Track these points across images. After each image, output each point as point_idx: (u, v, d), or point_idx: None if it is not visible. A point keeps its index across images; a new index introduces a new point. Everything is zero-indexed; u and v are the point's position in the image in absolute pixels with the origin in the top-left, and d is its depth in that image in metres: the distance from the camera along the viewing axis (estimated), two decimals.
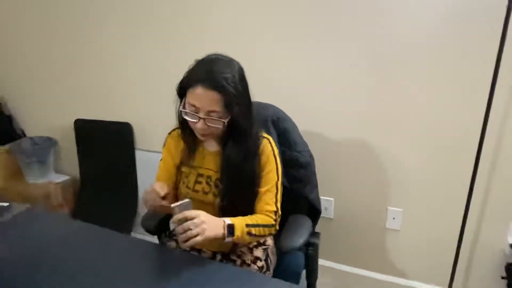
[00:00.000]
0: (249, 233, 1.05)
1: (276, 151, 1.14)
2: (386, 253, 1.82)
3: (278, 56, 1.72)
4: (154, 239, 1.31)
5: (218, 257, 1.21)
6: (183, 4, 1.84)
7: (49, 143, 2.45)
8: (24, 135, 2.56)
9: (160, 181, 1.12)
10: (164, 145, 1.24)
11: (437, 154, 1.58)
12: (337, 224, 1.87)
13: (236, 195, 1.10)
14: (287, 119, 1.39)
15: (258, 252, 1.22)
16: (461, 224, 1.54)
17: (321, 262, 1.90)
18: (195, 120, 1.02)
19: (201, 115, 1.00)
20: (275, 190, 1.12)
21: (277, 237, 1.23)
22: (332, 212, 1.86)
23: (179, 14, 1.86)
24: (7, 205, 1.29)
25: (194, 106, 1.00)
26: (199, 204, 1.15)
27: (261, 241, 1.25)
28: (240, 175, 1.08)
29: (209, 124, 1.02)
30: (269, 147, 1.12)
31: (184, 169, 1.20)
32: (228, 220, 1.02)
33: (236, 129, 1.05)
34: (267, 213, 1.11)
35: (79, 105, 2.34)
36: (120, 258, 1.03)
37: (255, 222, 1.07)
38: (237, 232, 1.02)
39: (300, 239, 1.18)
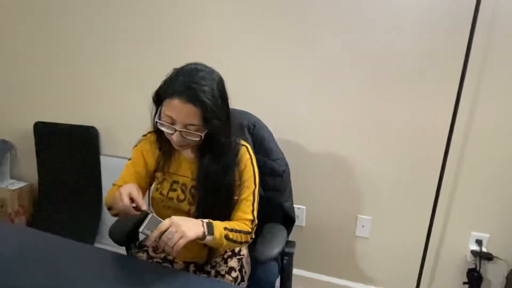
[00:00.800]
0: (226, 237, 1.02)
1: (254, 160, 1.12)
2: (355, 260, 1.85)
3: (255, 63, 1.72)
4: (121, 250, 1.24)
5: (191, 268, 1.16)
6: (157, 8, 1.79)
7: (5, 146, 2.28)
8: None
9: (125, 182, 1.07)
10: (136, 146, 1.18)
11: (405, 164, 1.64)
12: (309, 232, 1.88)
13: (212, 205, 1.07)
14: (263, 126, 1.38)
15: (233, 263, 1.19)
16: (427, 231, 1.60)
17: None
18: (171, 132, 0.98)
19: (178, 127, 0.96)
20: (252, 199, 1.11)
21: (251, 247, 1.21)
22: (304, 220, 1.87)
23: (154, 17, 1.81)
24: None
25: (170, 117, 0.96)
26: (173, 212, 1.11)
27: (236, 250, 1.22)
28: (219, 187, 1.06)
29: (185, 136, 0.98)
30: (246, 155, 1.11)
31: (158, 175, 1.15)
32: (205, 219, 0.99)
33: (215, 143, 1.02)
34: (244, 221, 1.09)
35: (40, 107, 2.20)
36: (85, 270, 0.96)
37: (232, 227, 1.04)
38: (216, 233, 0.98)
39: (275, 249, 1.17)
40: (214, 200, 1.06)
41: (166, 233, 0.89)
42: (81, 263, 1.00)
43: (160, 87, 0.99)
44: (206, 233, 0.96)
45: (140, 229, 0.89)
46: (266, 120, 1.40)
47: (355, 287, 1.87)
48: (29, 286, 0.90)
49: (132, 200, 0.93)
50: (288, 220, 1.38)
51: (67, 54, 2.03)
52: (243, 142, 1.13)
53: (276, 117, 1.57)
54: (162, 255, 1.19)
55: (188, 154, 1.12)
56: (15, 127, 2.29)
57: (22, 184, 2.32)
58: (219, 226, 1.00)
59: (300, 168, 1.78)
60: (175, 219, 0.92)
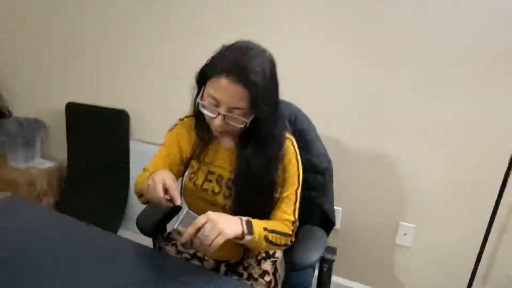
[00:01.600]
0: (266, 239, 0.92)
1: (298, 155, 1.01)
2: (394, 270, 1.71)
3: (298, 51, 1.59)
4: (147, 240, 1.17)
5: (223, 268, 1.07)
6: None
7: (37, 125, 2.27)
8: (10, 114, 2.37)
9: (157, 168, 0.99)
10: (171, 129, 1.09)
11: (463, 171, 1.47)
12: (343, 236, 1.75)
13: (251, 201, 0.97)
14: (305, 119, 1.26)
15: (267, 265, 1.09)
16: (480, 246, 1.43)
17: None
18: (213, 115, 0.88)
19: (222, 110, 0.86)
20: (294, 198, 1.00)
21: (287, 250, 1.10)
22: (339, 223, 1.74)
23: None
24: None
25: (214, 99, 0.86)
26: (206, 205, 1.02)
27: (270, 252, 1.12)
28: (258, 183, 0.95)
29: (228, 121, 0.88)
30: (292, 149, 1.00)
31: (193, 163, 1.06)
32: (245, 218, 0.89)
33: (259, 131, 0.91)
34: (285, 221, 0.99)
35: (73, 88, 2.16)
36: (107, 261, 0.89)
37: (272, 228, 0.94)
38: (255, 233, 0.89)
39: (315, 255, 1.06)
40: (253, 196, 0.96)
41: (202, 230, 0.80)
42: (103, 253, 0.93)
43: (206, 65, 0.89)
44: (246, 232, 0.87)
45: (175, 226, 0.81)
46: (306, 112, 1.29)
47: None
48: (50, 268, 0.84)
49: (166, 190, 0.84)
50: (327, 223, 1.26)
51: (101, 36, 1.98)
52: (288, 135, 1.02)
53: (316, 110, 1.44)
54: (192, 250, 1.11)
55: (227, 142, 1.02)
56: (48, 107, 2.27)
57: (51, 164, 2.31)
58: (258, 226, 0.90)
59: (338, 166, 1.63)
60: (212, 215, 0.82)
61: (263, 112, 0.86)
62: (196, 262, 1.08)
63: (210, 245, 0.80)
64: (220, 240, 0.80)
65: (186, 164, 1.08)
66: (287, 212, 0.99)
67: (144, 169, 1.06)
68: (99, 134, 2.16)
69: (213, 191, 1.02)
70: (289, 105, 1.26)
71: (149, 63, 1.91)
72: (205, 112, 0.90)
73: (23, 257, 0.89)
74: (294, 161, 1.00)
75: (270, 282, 1.07)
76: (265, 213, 0.99)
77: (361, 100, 1.54)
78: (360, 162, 1.62)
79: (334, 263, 1.75)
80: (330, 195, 1.27)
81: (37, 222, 1.05)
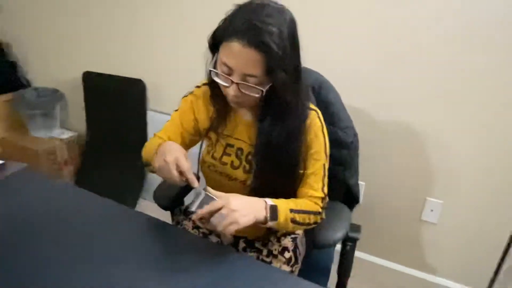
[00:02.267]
0: (293, 220, 0.87)
1: (325, 128, 0.94)
2: (419, 247, 1.64)
3: (322, 13, 1.47)
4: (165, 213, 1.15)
5: (241, 244, 1.03)
6: None
7: (55, 95, 2.25)
8: (29, 85, 2.36)
9: (169, 136, 0.95)
10: (186, 96, 1.02)
11: (494, 141, 1.36)
12: (366, 211, 1.69)
13: (272, 177, 0.91)
14: (331, 89, 1.17)
15: (287, 242, 1.05)
16: None
17: None
18: (226, 84, 0.81)
19: (235, 78, 0.79)
20: (321, 173, 0.93)
21: None
22: (361, 197, 1.68)
23: None
24: (2, 163, 1.12)
25: (227, 66, 0.78)
26: (225, 179, 0.97)
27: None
28: (280, 157, 0.89)
29: (243, 90, 0.80)
30: (317, 121, 0.92)
31: (211, 135, 1.00)
32: (270, 201, 0.84)
33: (278, 101, 0.83)
34: (313, 199, 0.93)
35: (89, 57, 2.11)
36: (122, 236, 0.87)
37: (300, 208, 0.89)
38: (281, 217, 0.84)
39: (338, 233, 1.01)
40: (274, 171, 0.90)
41: (217, 214, 0.75)
42: (119, 228, 0.90)
43: (218, 28, 0.80)
44: (269, 218, 0.82)
45: (193, 208, 0.77)
46: (331, 81, 1.19)
47: (417, 275, 1.68)
48: (64, 242, 0.82)
49: (180, 172, 0.80)
50: (351, 199, 1.20)
51: (117, 5, 1.89)
52: (312, 106, 0.94)
53: (342, 79, 1.34)
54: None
55: (246, 114, 0.96)
56: (66, 77, 2.24)
57: (71, 134, 2.32)
58: (284, 208, 0.85)
59: (362, 138, 1.56)
60: (232, 200, 0.77)
61: (280, 79, 0.77)
62: (214, 237, 1.05)
63: (222, 230, 0.76)
64: (232, 229, 0.76)
65: (200, 135, 1.02)
66: (315, 188, 0.93)
67: (155, 135, 1.02)
68: (116, 103, 2.13)
69: (232, 165, 0.96)
70: (312, 73, 1.17)
71: (164, 31, 1.83)
72: (218, 81, 0.82)
73: (32, 226, 0.88)
74: (320, 134, 0.92)
75: (290, 259, 1.03)
76: (289, 190, 0.93)
77: (389, 71, 1.43)
78: (386, 135, 1.53)
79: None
80: (355, 170, 1.20)
81: (52, 193, 1.03)
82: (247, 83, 0.79)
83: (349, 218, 1.09)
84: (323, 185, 0.94)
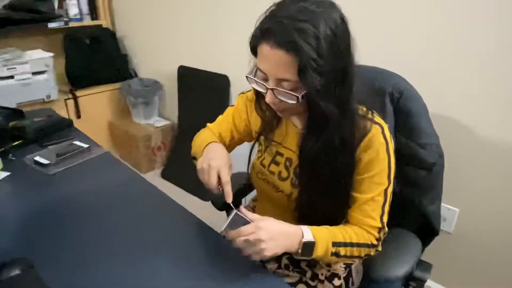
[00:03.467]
0: (335, 254, 0.77)
1: (391, 145, 0.79)
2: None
3: (414, 9, 1.26)
4: None
5: (284, 261, 0.96)
6: None
7: (156, 86, 2.48)
8: (136, 75, 2.64)
9: (220, 129, 0.95)
10: (244, 93, 0.98)
11: None
12: (458, 241, 1.42)
13: (316, 195, 0.81)
14: (414, 97, 0.99)
15: (338, 267, 0.93)
16: None
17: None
18: (262, 90, 0.75)
19: (270, 84, 0.71)
20: (382, 200, 0.79)
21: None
22: (453, 225, 1.41)
23: None
24: (88, 147, 1.26)
25: (261, 71, 0.72)
26: (272, 190, 0.91)
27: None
28: (323, 173, 0.78)
29: (280, 97, 0.72)
30: (380, 138, 0.78)
31: (262, 141, 0.94)
32: (308, 234, 0.74)
33: (316, 110, 0.72)
34: (368, 228, 0.80)
35: (184, 52, 2.26)
36: (168, 235, 0.88)
37: (347, 240, 0.77)
38: (318, 252, 0.75)
39: (401, 269, 0.85)
40: (318, 189, 0.80)
41: (242, 239, 0.69)
42: (168, 227, 0.91)
43: (255, 29, 0.73)
44: (300, 255, 0.74)
45: (222, 228, 0.73)
46: (419, 89, 1.01)
47: None
48: (118, 231, 0.87)
49: (219, 179, 0.77)
50: (427, 230, 1.01)
51: (209, 7, 1.97)
52: (377, 119, 0.80)
53: (430, 87, 1.13)
54: None
55: (297, 122, 0.87)
56: (164, 69, 2.44)
57: (166, 122, 2.52)
58: (324, 242, 0.75)
59: (457, 156, 1.30)
60: (262, 228, 0.70)
61: (313, 84, 0.66)
62: None
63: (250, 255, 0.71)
64: (257, 258, 0.71)
65: (252, 136, 0.98)
66: (372, 217, 0.80)
67: (207, 126, 1.02)
68: (205, 97, 2.23)
69: (280, 175, 0.89)
70: (393, 77, 1.01)
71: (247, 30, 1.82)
72: (255, 87, 0.76)
73: (91, 209, 0.96)
74: (383, 154, 0.78)
75: (340, 287, 0.91)
76: (337, 212, 0.82)
77: (490, 76, 1.15)
78: (483, 153, 1.25)
79: (442, 271, 1.47)
80: (436, 196, 1.00)
81: (122, 180, 1.11)
82: (280, 89, 0.70)
83: (418, 253, 0.91)
84: (382, 213, 0.80)
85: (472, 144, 1.27)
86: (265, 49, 0.69)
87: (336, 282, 0.92)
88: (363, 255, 0.80)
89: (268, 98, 0.74)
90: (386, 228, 0.81)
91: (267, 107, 0.86)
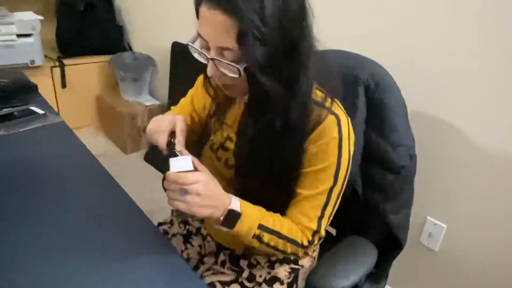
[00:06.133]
0: (258, 238, 0.72)
1: (347, 141, 0.73)
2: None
3: None
4: None
5: (222, 256, 0.91)
6: None
7: (148, 61, 2.45)
8: (130, 49, 2.63)
9: (182, 113, 0.90)
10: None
11: None
12: (443, 261, 1.34)
13: (252, 182, 0.76)
14: (392, 89, 0.92)
15: (281, 271, 0.88)
16: None
17: None
18: (203, 61, 0.70)
19: (211, 54, 0.66)
20: (323, 200, 0.74)
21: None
22: (438, 244, 1.33)
23: None
24: (43, 113, 1.24)
25: (201, 37, 0.67)
26: (218, 178, 0.86)
27: (292, 257, 0.90)
28: (259, 159, 0.74)
29: (221, 69, 0.67)
30: (334, 130, 0.71)
31: (213, 124, 0.90)
32: (236, 205, 0.71)
33: (254, 86, 0.67)
34: (302, 228, 0.76)
35: (178, 28, 2.22)
36: (100, 217, 0.84)
37: (276, 229, 0.73)
38: (241, 227, 0.71)
39: (340, 281, 0.78)
40: (254, 176, 0.75)
41: (183, 187, 0.65)
42: (100, 209, 0.88)
43: None
44: (221, 222, 0.70)
45: (170, 168, 0.69)
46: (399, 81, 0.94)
47: None
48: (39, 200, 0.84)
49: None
50: (390, 242, 0.94)
51: None
52: (336, 109, 0.73)
53: (415, 79, 1.04)
54: (198, 224, 0.99)
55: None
56: (158, 45, 2.41)
57: (155, 102, 2.50)
58: (251, 220, 0.71)
59: (446, 165, 1.22)
60: (205, 181, 0.67)
61: (252, 53, 0.61)
62: (197, 239, 0.96)
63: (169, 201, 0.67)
64: (177, 206, 0.67)
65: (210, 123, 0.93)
66: (308, 216, 0.75)
67: (171, 109, 1.01)
68: (196, 78, 2.19)
69: (226, 163, 0.84)
70: (368, 64, 0.94)
71: None
72: (197, 57, 0.71)
73: (37, 177, 0.94)
74: (334, 149, 0.72)
75: None
76: (275, 204, 0.77)
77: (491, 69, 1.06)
78: (475, 161, 1.16)
79: None
80: (403, 204, 0.93)
81: (66, 153, 1.09)
82: (221, 60, 0.65)
83: (368, 264, 0.84)
84: (322, 216, 0.75)
85: (463, 151, 1.18)
86: (204, 10, 0.64)
87: (277, 286, 0.86)
88: (289, 251, 0.76)
89: (209, 70, 0.69)
90: (323, 233, 0.76)
91: (217, 86, 0.81)
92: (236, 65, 0.64)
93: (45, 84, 2.26)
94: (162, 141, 0.76)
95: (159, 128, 0.78)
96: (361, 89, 0.92)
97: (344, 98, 0.79)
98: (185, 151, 0.74)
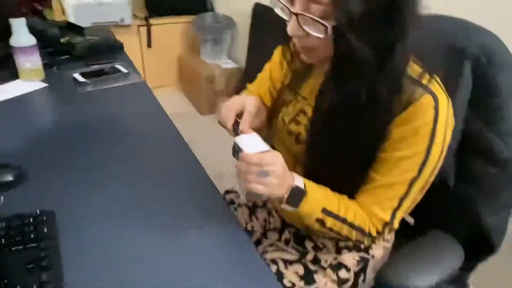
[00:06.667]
0: (321, 222, 0.68)
1: (443, 128, 0.63)
2: None
3: None
4: None
5: (286, 234, 0.88)
6: None
7: (228, 23, 2.44)
8: (213, 9, 2.62)
9: (259, 90, 0.91)
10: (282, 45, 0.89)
11: None
12: None
13: (323, 160, 0.70)
14: (508, 67, 0.76)
15: (348, 258, 0.82)
16: None
17: None
18: (286, 18, 0.64)
19: (296, 8, 0.60)
20: (403, 191, 0.66)
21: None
22: None
23: None
24: (126, 72, 1.29)
25: None
26: (285, 156, 0.81)
27: (362, 245, 0.83)
28: (332, 132, 0.67)
29: (304, 27, 0.60)
30: (428, 114, 0.61)
31: (286, 94, 0.84)
32: (300, 182, 0.66)
33: (342, 48, 0.59)
34: (373, 218, 0.69)
35: None
36: (174, 191, 0.84)
37: (341, 214, 0.68)
38: (305, 207, 0.66)
39: (420, 279, 0.71)
40: (325, 153, 0.69)
41: (258, 168, 0.60)
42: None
43: None
44: (285, 200, 0.64)
45: (244, 148, 0.63)
46: None
47: None
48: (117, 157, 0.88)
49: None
50: (481, 244, 0.82)
51: None
52: (434, 87, 0.63)
53: None
54: (265, 198, 0.96)
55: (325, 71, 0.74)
56: (239, 7, 2.37)
57: (233, 65, 2.50)
58: (315, 202, 0.66)
59: None
60: (282, 161, 0.62)
61: (349, 9, 0.53)
62: (263, 213, 0.94)
63: (245, 184, 0.62)
64: (255, 189, 0.61)
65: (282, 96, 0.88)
66: (382, 206, 0.68)
67: (247, 88, 0.98)
68: (278, 42, 2.12)
69: (297, 138, 0.78)
70: (482, 34, 0.79)
71: None
72: (278, 13, 0.65)
73: (103, 139, 0.98)
74: (424, 136, 0.62)
75: (344, 281, 0.81)
76: (346, 188, 0.71)
77: None
78: None
79: None
80: (501, 206, 0.79)
81: (142, 113, 1.12)
82: (308, 15, 0.58)
83: (453, 265, 0.75)
84: (397, 208, 0.67)
85: None
86: None
87: (343, 274, 0.81)
88: (354, 238, 0.70)
89: (290, 28, 0.63)
90: (397, 226, 0.69)
91: (296, 50, 0.75)
92: (324, 22, 0.57)
93: (132, 43, 2.37)
94: (229, 125, 0.74)
95: (228, 112, 0.75)
96: (467, 64, 0.78)
97: (445, 75, 0.68)
98: (249, 130, 0.70)
